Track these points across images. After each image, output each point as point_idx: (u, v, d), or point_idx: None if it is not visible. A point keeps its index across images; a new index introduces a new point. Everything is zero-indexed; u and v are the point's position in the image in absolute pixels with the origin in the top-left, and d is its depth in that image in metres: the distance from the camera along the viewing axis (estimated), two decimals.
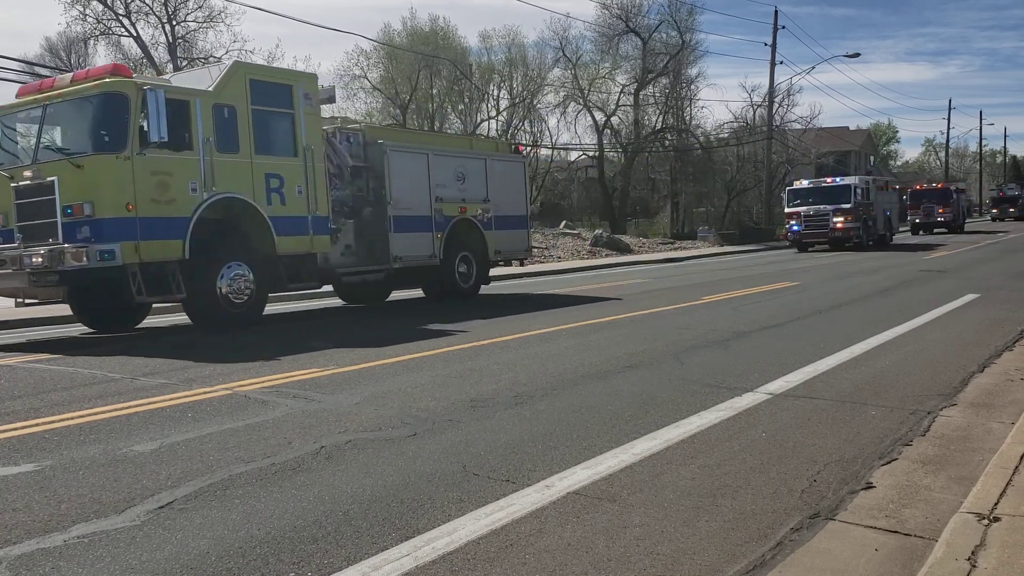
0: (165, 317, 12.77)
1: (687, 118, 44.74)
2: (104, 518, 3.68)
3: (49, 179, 9.49)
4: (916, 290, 13.79)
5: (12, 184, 9.86)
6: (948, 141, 78.34)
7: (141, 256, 9.58)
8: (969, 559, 2.92)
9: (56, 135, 10.40)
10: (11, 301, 10.86)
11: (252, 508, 3.79)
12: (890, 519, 3.60)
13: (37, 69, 25.59)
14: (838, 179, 31.40)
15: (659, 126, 43.71)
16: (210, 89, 10.48)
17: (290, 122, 11.35)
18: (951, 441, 4.80)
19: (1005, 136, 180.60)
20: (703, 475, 4.21)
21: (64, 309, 11.89)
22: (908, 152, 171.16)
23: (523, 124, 45.50)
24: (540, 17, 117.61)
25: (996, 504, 3.43)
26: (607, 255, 28.67)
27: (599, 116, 43.35)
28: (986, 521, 3.25)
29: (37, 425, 5.45)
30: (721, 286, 15.36)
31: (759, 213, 43.82)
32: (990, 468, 3.94)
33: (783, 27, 45.73)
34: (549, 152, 47.36)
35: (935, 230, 41.95)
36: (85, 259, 9.23)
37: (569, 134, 62.07)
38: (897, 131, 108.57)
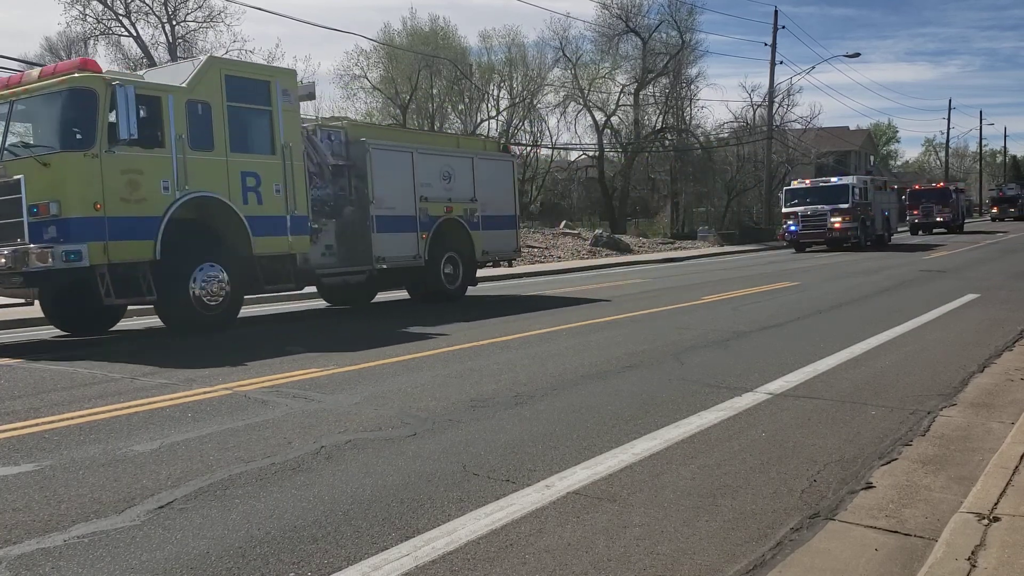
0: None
1: (687, 118, 44.75)
2: (104, 518, 3.68)
3: (15, 177, 9.18)
4: (916, 290, 13.80)
5: None
6: (948, 141, 78.44)
7: (110, 257, 9.27)
8: (969, 559, 2.92)
9: (23, 132, 10.10)
10: None
11: (252, 508, 3.79)
12: (890, 519, 3.61)
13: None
14: (836, 179, 31.25)
15: (659, 126, 43.71)
16: (183, 85, 10.14)
17: (268, 119, 11.05)
18: (951, 441, 4.80)
19: (1005, 136, 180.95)
20: (703, 475, 4.21)
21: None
22: (908, 152, 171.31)
23: (523, 124, 45.53)
24: (540, 17, 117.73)
25: (996, 504, 3.43)
26: (607, 255, 28.67)
27: (599, 116, 43.42)
28: (986, 521, 3.25)
29: (37, 425, 5.45)
30: (721, 286, 15.36)
31: (759, 213, 43.82)
32: (990, 468, 3.94)
33: (783, 27, 45.74)
34: (549, 152, 47.45)
35: (934, 230, 41.89)
36: (51, 260, 8.92)
37: (569, 134, 62.15)
38: (897, 131, 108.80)
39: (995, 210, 60.68)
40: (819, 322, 10.05)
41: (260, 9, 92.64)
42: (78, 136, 9.28)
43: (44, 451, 4.82)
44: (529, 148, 45.93)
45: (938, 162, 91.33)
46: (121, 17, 34.19)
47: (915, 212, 42.14)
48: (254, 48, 65.93)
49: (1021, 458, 4.00)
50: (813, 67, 68.12)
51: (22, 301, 10.92)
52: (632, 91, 43.06)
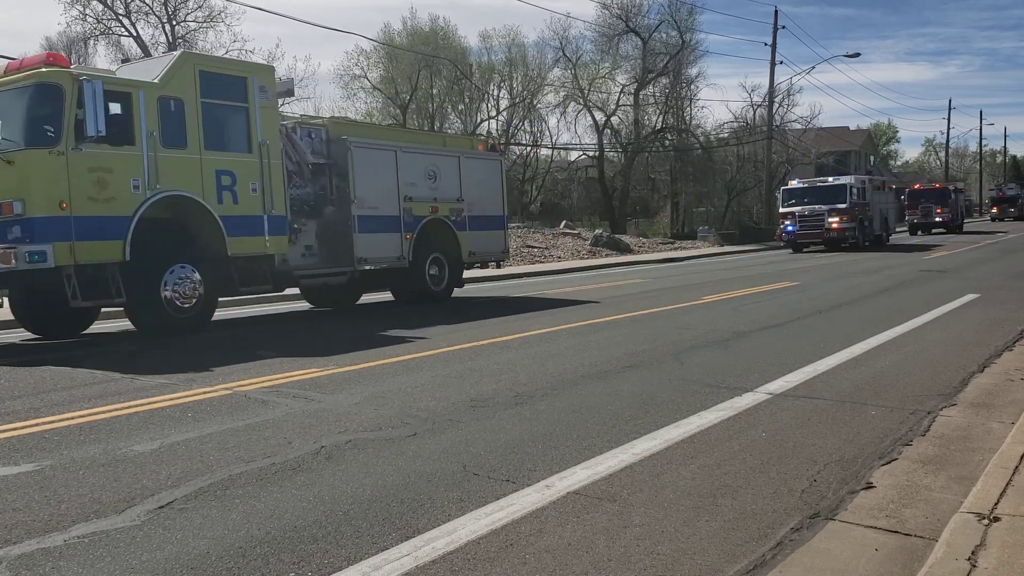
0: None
1: (687, 118, 44.76)
2: (104, 518, 3.68)
3: None
4: (916, 290, 13.80)
5: None
6: (948, 141, 78.46)
7: (76, 258, 8.96)
8: (969, 559, 2.92)
9: None
10: None
11: (252, 508, 3.79)
12: (890, 519, 3.61)
13: None
14: (833, 179, 31.08)
15: (659, 126, 43.71)
16: (155, 81, 9.84)
17: (244, 116, 10.77)
18: (951, 441, 4.80)
19: (1005, 136, 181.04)
20: (703, 475, 4.21)
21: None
22: (908, 152, 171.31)
23: (523, 124, 45.59)
24: (540, 17, 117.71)
25: (996, 504, 3.43)
26: (607, 255, 28.67)
27: (599, 116, 43.45)
28: (986, 521, 3.25)
29: (37, 425, 5.45)
30: (721, 286, 15.36)
31: (759, 213, 43.82)
32: (990, 468, 3.94)
33: (783, 27, 45.75)
34: (549, 152, 47.49)
35: (933, 230, 41.81)
36: (14, 261, 8.67)
37: (569, 134, 62.23)
38: (897, 131, 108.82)
39: (995, 210, 60.66)
40: (819, 322, 10.05)
41: (260, 9, 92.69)
42: (44, 133, 9.02)
43: (44, 451, 4.82)
44: (529, 148, 46.00)
45: (938, 162, 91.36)
46: (121, 17, 34.21)
47: (914, 212, 42.09)
48: (254, 48, 65.91)
49: (1021, 458, 4.00)
50: (813, 67, 68.25)
51: None
52: (632, 91, 43.07)
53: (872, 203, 30.43)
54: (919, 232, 41.76)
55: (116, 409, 5.88)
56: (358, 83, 43.38)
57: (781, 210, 30.21)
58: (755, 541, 3.39)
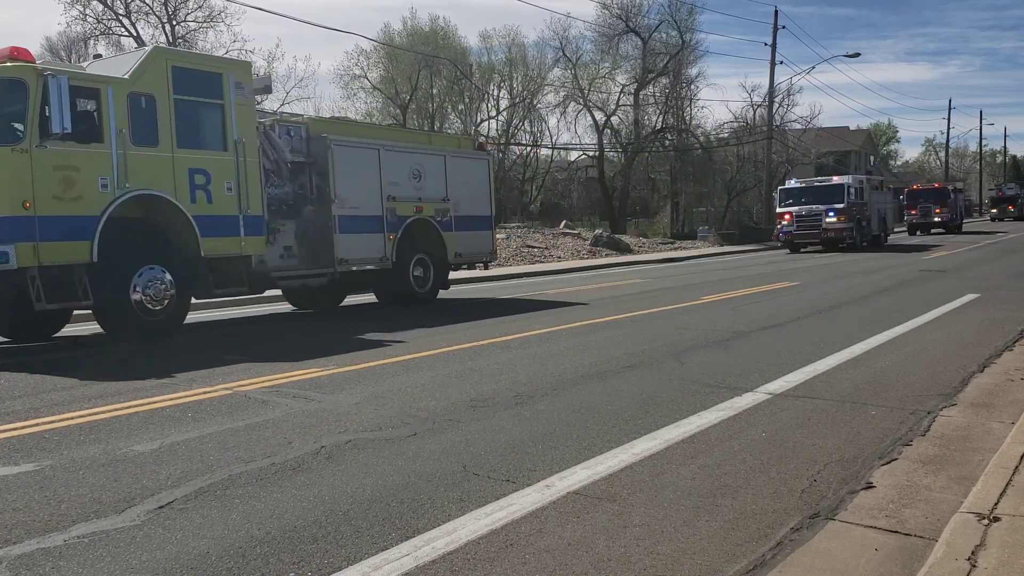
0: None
1: (687, 118, 44.78)
2: (104, 518, 3.68)
3: None
4: (916, 290, 13.80)
5: None
6: (948, 141, 78.46)
7: (40, 259, 8.64)
8: (969, 559, 2.92)
9: None
10: None
11: (252, 508, 3.79)
12: (890, 519, 3.61)
13: None
14: (831, 178, 30.95)
15: (659, 126, 43.74)
16: (125, 76, 9.53)
17: (219, 113, 10.47)
18: (951, 441, 4.80)
19: (1005, 136, 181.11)
20: (703, 475, 4.21)
21: None
22: (908, 152, 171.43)
23: (523, 124, 45.64)
24: (540, 17, 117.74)
25: (996, 504, 3.43)
26: (607, 255, 28.67)
27: (599, 116, 43.48)
28: (986, 521, 3.25)
29: (37, 425, 5.45)
30: (721, 286, 15.36)
31: (759, 213, 43.82)
32: (990, 468, 3.94)
33: (783, 27, 45.78)
34: (549, 152, 47.53)
35: (932, 230, 41.73)
36: None
37: (569, 134, 62.38)
38: (897, 131, 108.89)
39: (994, 210, 60.64)
40: (819, 322, 10.05)
41: (260, 9, 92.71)
42: (6, 130, 8.79)
43: (44, 451, 4.82)
44: (529, 148, 46.03)
45: (938, 162, 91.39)
46: (121, 17, 34.25)
47: (913, 212, 42.01)
48: (254, 48, 66.01)
49: (1021, 458, 4.00)
50: (813, 67, 68.26)
51: None
52: (632, 91, 43.10)
53: (870, 203, 30.31)
54: (918, 232, 41.70)
55: (116, 409, 5.88)
56: (358, 83, 43.49)
57: (778, 210, 30.02)
58: (755, 541, 3.39)
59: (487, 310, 12.64)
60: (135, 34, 34.29)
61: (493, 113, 46.01)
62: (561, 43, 43.55)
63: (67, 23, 35.66)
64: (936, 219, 41.28)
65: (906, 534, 3.45)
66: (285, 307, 14.18)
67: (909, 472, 4.25)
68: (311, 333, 10.59)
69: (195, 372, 7.36)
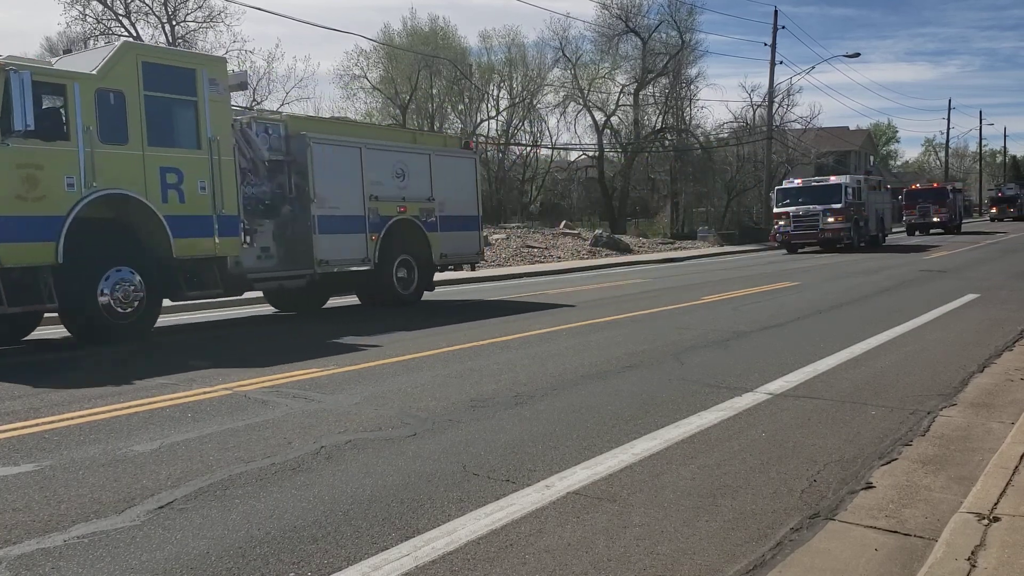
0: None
1: (687, 118, 44.80)
2: (104, 518, 3.68)
3: None
4: (916, 290, 13.80)
5: None
6: (948, 141, 78.42)
7: (2, 261, 8.39)
8: (969, 559, 2.92)
9: None
10: None
11: (252, 508, 3.79)
12: (890, 519, 3.61)
13: None
14: (828, 178, 30.75)
15: (659, 126, 43.75)
16: (93, 72, 9.22)
17: (192, 110, 10.16)
18: (951, 441, 4.80)
19: (1005, 136, 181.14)
20: (703, 475, 4.21)
21: None
22: (908, 152, 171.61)
23: (523, 124, 45.65)
24: (540, 17, 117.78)
25: (996, 504, 3.43)
26: (607, 255, 28.67)
27: (599, 116, 43.51)
28: (986, 521, 3.25)
29: (37, 425, 5.45)
30: (721, 286, 15.36)
31: (759, 213, 43.80)
32: (990, 468, 3.94)
33: (783, 27, 45.81)
34: (549, 152, 47.54)
35: (931, 231, 41.58)
36: None
37: (569, 134, 62.43)
38: (897, 131, 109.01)
39: (994, 210, 60.61)
40: (819, 322, 10.05)
41: (260, 9, 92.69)
42: None
43: (44, 451, 4.82)
44: (529, 148, 46.04)
45: (938, 162, 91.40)
46: (121, 17, 34.22)
47: (912, 212, 41.89)
48: (254, 48, 66.05)
49: (1021, 458, 4.00)
50: (813, 67, 68.20)
51: None
52: (632, 91, 43.11)
53: (868, 203, 30.14)
54: (917, 233, 41.57)
55: (116, 409, 5.88)
56: (358, 83, 43.51)
57: (775, 210, 29.80)
58: (755, 541, 3.39)
59: (487, 310, 12.63)
60: (135, 34, 34.27)
61: (493, 113, 46.07)
62: (561, 43, 43.64)
63: (67, 23, 35.61)
64: (935, 219, 41.14)
65: (906, 534, 3.45)
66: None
67: (909, 472, 4.25)
68: (300, 335, 10.51)
69: (195, 372, 7.35)
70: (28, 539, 3.46)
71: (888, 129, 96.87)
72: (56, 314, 9.70)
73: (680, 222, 43.89)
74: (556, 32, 57.26)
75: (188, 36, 35.03)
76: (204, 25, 35.23)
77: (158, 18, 34.49)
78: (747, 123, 44.53)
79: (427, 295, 14.33)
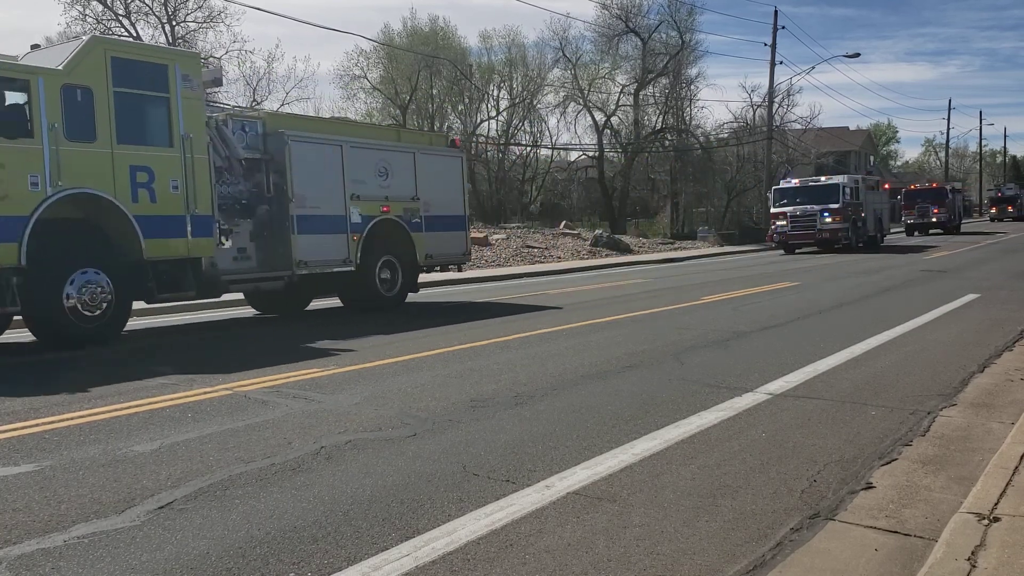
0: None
1: (687, 118, 44.80)
2: (104, 518, 3.68)
3: None
4: (916, 290, 13.80)
5: None
6: (948, 141, 78.41)
7: None
8: (969, 559, 2.92)
9: None
10: None
11: (252, 508, 3.79)
12: (890, 519, 3.61)
13: None
14: (826, 178, 30.57)
15: (659, 126, 43.76)
16: (59, 67, 8.92)
17: (165, 107, 9.84)
18: (951, 441, 4.80)
19: (1005, 136, 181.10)
20: (703, 475, 4.21)
21: None
22: (908, 152, 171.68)
23: (523, 124, 45.63)
24: (540, 17, 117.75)
25: (996, 504, 3.43)
26: (607, 255, 28.67)
27: (599, 116, 43.50)
28: (986, 521, 3.25)
29: (37, 425, 5.45)
30: (721, 286, 15.36)
31: (759, 213, 43.78)
32: (990, 468, 3.94)
33: (783, 27, 45.80)
34: (549, 152, 47.54)
35: (930, 231, 41.43)
36: None
37: (569, 134, 62.48)
38: (897, 131, 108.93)
39: (994, 210, 60.58)
40: (819, 322, 10.05)
41: (260, 9, 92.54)
42: None
43: (44, 451, 4.82)
44: (529, 148, 46.05)
45: (938, 162, 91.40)
46: (121, 17, 34.18)
47: (911, 213, 41.74)
48: (254, 48, 65.99)
49: (1021, 458, 4.00)
50: (813, 67, 68.18)
51: None
52: (632, 91, 43.11)
53: (866, 203, 29.97)
54: (916, 233, 41.41)
55: (116, 409, 5.88)
56: (358, 83, 43.45)
57: (772, 210, 29.62)
58: (755, 541, 3.39)
59: (487, 311, 12.63)
60: (135, 34, 34.26)
61: (493, 113, 46.02)
62: (561, 43, 43.62)
63: (67, 23, 35.47)
64: (934, 219, 41.00)
65: (906, 534, 3.45)
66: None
67: (909, 472, 4.25)
68: (297, 336, 10.39)
69: (195, 372, 7.35)
70: (28, 539, 3.46)
71: (888, 129, 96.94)
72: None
73: (680, 222, 43.89)
74: (556, 32, 57.23)
75: (188, 36, 35.02)
76: (204, 25, 35.21)
77: (158, 18, 34.48)
78: (747, 123, 44.54)
79: (422, 296, 14.24)
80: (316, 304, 14.11)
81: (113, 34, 33.19)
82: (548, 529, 3.51)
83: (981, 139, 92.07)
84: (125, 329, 10.18)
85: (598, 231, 32.65)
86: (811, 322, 10.06)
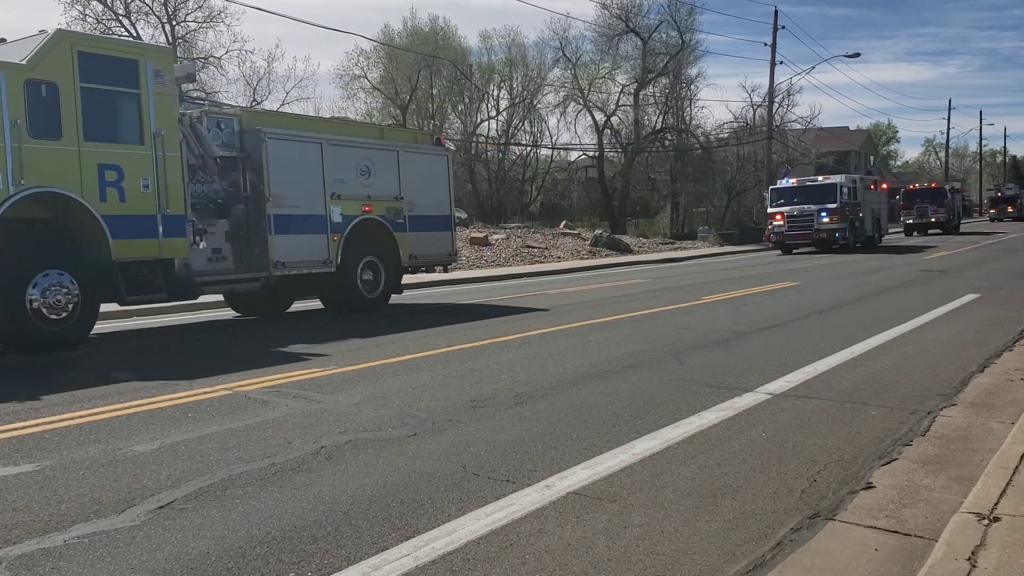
0: None
1: (687, 118, 44.80)
2: (104, 518, 3.68)
3: None
4: (916, 290, 13.80)
5: None
6: (948, 141, 78.44)
7: None
8: (969, 559, 2.92)
9: None
10: None
11: (252, 508, 3.79)
12: (890, 519, 3.61)
13: None
14: (823, 178, 30.46)
15: (659, 126, 43.76)
16: (22, 62, 8.62)
17: (135, 104, 9.55)
18: (951, 441, 4.80)
19: (1005, 136, 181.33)
20: (703, 475, 4.21)
21: None
22: (908, 152, 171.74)
23: (523, 124, 45.63)
24: (540, 17, 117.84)
25: (996, 504, 3.43)
26: (607, 255, 28.67)
27: (599, 116, 43.51)
28: (986, 521, 3.25)
29: (37, 425, 5.45)
30: (721, 286, 15.36)
31: (759, 213, 43.74)
32: (990, 468, 3.94)
33: (783, 27, 45.77)
34: (549, 152, 47.54)
35: (929, 231, 41.23)
36: None
37: (569, 134, 62.43)
38: (897, 131, 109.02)
39: (993, 210, 60.53)
40: (819, 322, 10.05)
41: (260, 9, 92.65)
42: None
43: (44, 451, 4.82)
44: (529, 148, 46.05)
45: (938, 162, 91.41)
46: (121, 17, 34.18)
47: (909, 213, 41.60)
48: (254, 48, 66.00)
49: (1021, 458, 4.00)
50: (813, 67, 68.28)
51: None
52: (632, 91, 43.11)
53: (864, 203, 29.83)
54: (915, 233, 41.21)
55: (116, 409, 5.88)
56: (358, 83, 43.46)
57: (769, 210, 29.49)
58: (755, 541, 3.39)
59: (487, 311, 12.63)
60: (135, 34, 34.26)
61: (493, 113, 46.02)
62: (561, 43, 43.64)
63: (67, 23, 35.47)
64: (933, 219, 40.82)
65: (906, 534, 3.45)
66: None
67: (909, 472, 4.25)
68: (295, 337, 10.50)
69: (195, 372, 7.34)
70: (28, 539, 3.46)
71: (888, 129, 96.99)
72: None
73: (680, 222, 43.89)
74: (556, 32, 57.31)
75: (188, 36, 35.04)
76: (204, 25, 35.23)
77: (158, 18, 34.49)
78: (747, 123, 44.53)
79: (421, 296, 14.17)
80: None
81: (113, 34, 33.21)
82: (548, 529, 3.51)
83: (981, 139, 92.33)
84: (116, 331, 10.08)
85: (598, 231, 32.65)
86: (811, 322, 10.06)
